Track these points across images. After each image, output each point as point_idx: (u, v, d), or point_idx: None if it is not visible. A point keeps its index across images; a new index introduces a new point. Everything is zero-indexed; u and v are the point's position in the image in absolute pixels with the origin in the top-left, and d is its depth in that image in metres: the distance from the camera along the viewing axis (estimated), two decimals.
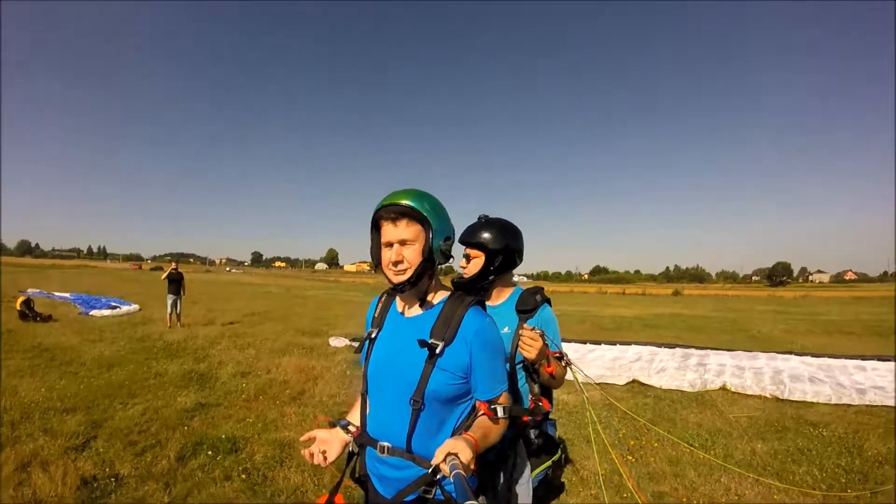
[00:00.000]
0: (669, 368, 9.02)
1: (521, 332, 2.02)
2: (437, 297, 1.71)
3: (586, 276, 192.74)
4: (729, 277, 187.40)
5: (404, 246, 1.60)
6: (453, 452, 1.33)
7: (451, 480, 1.28)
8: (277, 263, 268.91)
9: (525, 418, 2.05)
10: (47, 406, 5.73)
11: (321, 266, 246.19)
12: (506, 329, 2.17)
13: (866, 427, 5.86)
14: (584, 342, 12.58)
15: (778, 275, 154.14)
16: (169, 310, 13.69)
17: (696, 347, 11.86)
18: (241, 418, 5.60)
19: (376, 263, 1.70)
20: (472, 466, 1.35)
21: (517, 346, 2.06)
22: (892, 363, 9.56)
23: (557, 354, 2.15)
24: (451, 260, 1.74)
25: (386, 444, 1.62)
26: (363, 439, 1.73)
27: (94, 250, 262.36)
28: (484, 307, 1.78)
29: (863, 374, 8.71)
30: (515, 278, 2.50)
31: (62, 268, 75.90)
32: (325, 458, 1.68)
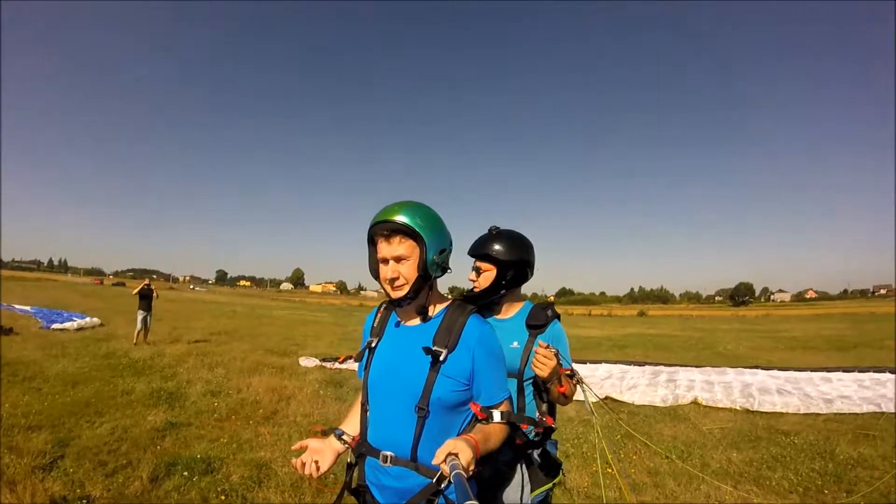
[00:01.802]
0: (641, 385, 9.17)
1: (534, 349, 1.94)
2: (437, 308, 1.72)
3: (552, 299, 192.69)
4: (692, 298, 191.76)
5: (399, 262, 1.61)
6: (454, 453, 1.33)
7: (451, 481, 1.27)
8: (242, 282, 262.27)
9: (525, 425, 1.96)
10: (11, 423, 5.43)
11: (286, 286, 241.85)
12: (515, 344, 2.11)
13: (836, 433, 6.12)
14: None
15: (740, 295, 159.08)
16: (139, 326, 13.25)
17: (665, 365, 12.10)
18: (214, 438, 5.42)
19: (374, 277, 1.71)
20: (472, 467, 1.35)
21: (527, 361, 2.00)
22: (857, 374, 10.02)
23: (568, 372, 2.07)
24: (449, 271, 1.74)
25: (389, 453, 1.60)
26: (363, 449, 1.69)
27: (55, 263, 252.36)
28: (483, 316, 1.79)
29: (829, 385, 9.06)
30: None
31: (22, 280, 72.51)
32: (318, 468, 1.64)
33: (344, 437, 1.75)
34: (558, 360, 1.92)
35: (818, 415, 7.10)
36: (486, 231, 2.28)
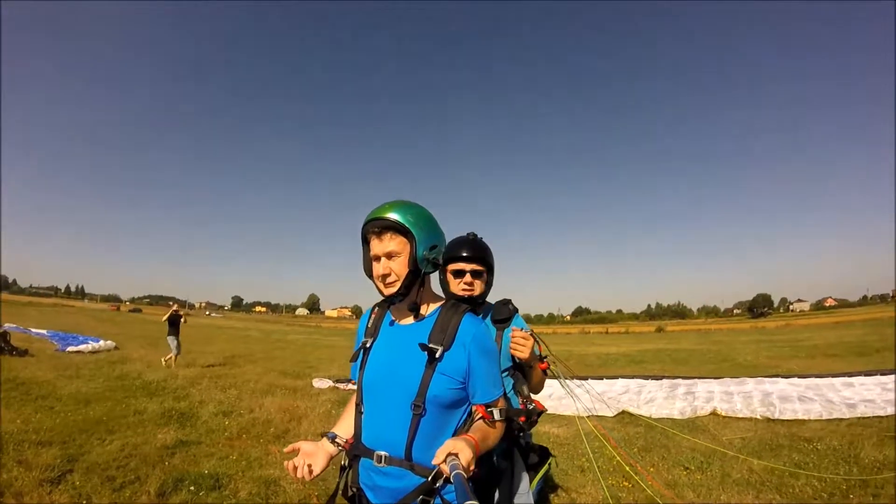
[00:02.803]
0: (658, 398, 9.02)
1: (511, 334, 2.06)
2: (431, 306, 1.73)
3: (568, 318, 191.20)
4: (710, 312, 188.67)
5: (391, 259, 1.64)
6: (454, 453, 1.32)
7: (451, 481, 1.25)
8: (258, 308, 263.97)
9: (523, 418, 2.04)
10: (22, 438, 5.48)
11: (302, 311, 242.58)
12: None
13: (860, 438, 5.93)
14: (571, 377, 12.48)
15: (759, 306, 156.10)
16: (174, 351, 13.57)
17: (683, 377, 11.88)
18: (223, 456, 5.42)
19: (368, 276, 1.72)
20: (472, 467, 1.33)
21: (501, 354, 2.08)
22: (879, 377, 9.74)
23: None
24: (440, 268, 1.76)
25: (383, 452, 1.58)
26: (357, 450, 1.68)
27: (72, 289, 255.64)
28: (477, 315, 1.80)
29: (851, 390, 8.83)
30: None
31: (39, 305, 74.25)
32: (311, 472, 1.63)
33: (337, 439, 1.74)
34: (535, 339, 2.08)
35: (841, 420, 6.91)
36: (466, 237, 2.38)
